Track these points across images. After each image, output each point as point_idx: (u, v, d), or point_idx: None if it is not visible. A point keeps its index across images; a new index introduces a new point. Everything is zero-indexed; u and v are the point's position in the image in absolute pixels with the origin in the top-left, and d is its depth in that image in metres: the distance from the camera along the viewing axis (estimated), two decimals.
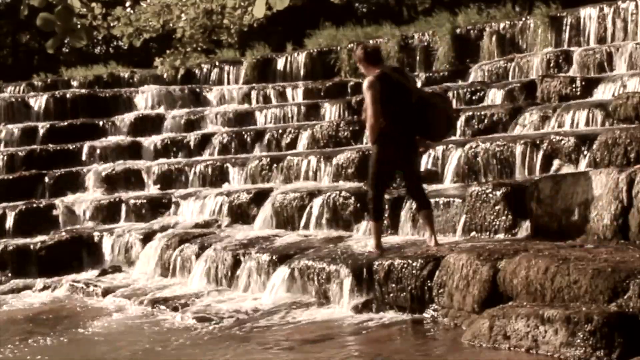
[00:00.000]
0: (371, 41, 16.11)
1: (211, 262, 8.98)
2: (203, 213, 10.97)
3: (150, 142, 14.01)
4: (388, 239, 8.43)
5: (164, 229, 10.66)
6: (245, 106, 15.39)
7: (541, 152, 8.88)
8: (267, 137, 13.13)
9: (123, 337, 7.32)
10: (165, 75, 16.95)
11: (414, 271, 7.08)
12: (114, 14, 10.63)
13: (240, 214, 10.58)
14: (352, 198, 9.38)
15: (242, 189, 11.13)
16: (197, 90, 16.45)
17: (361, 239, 8.69)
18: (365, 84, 7.73)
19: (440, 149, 9.89)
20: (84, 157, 13.89)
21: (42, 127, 14.82)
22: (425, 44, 15.36)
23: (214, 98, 16.12)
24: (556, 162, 8.73)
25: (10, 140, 14.63)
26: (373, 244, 7.89)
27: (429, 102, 7.70)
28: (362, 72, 8.11)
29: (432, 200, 8.47)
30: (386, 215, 8.44)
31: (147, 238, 10.42)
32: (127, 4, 10.60)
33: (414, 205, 8.38)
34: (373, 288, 7.33)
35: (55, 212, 12.03)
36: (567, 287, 5.90)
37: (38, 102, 15.89)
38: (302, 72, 16.79)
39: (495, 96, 12.07)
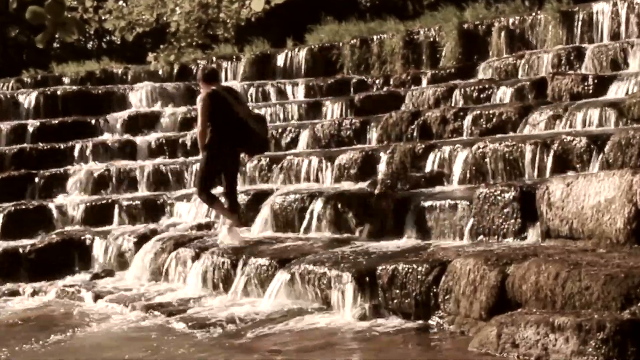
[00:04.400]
0: (375, 37, 16.16)
1: (208, 266, 8.98)
2: (199, 215, 10.97)
3: (144, 141, 14.01)
4: (392, 244, 8.45)
5: (158, 231, 10.67)
6: None
7: (552, 153, 8.88)
8: None
9: (115, 344, 7.32)
10: (160, 72, 17.01)
11: (419, 276, 7.08)
12: (106, 6, 10.64)
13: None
14: (355, 200, 9.38)
15: (240, 190, 11.12)
16: (194, 87, 16.43)
17: (365, 242, 8.70)
18: (198, 98, 9.80)
19: (447, 149, 9.90)
20: (75, 157, 13.88)
21: (32, 125, 14.81)
22: (431, 39, 15.36)
23: None
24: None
25: None
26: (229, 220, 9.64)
27: (247, 124, 9.50)
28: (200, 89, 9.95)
29: (437, 203, 8.50)
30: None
31: (141, 241, 10.42)
32: None
33: (418, 208, 8.60)
34: (376, 294, 7.34)
35: (45, 214, 12.03)
36: (579, 294, 5.90)
37: (28, 99, 15.88)
38: (302, 69, 16.78)
39: (504, 94, 12.06)
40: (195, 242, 9.75)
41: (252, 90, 15.87)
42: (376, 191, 9.31)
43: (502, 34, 14.44)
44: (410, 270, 7.15)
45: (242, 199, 10.64)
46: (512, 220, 7.84)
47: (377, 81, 15.20)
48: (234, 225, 9.54)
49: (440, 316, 6.91)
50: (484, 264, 6.66)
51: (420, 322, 6.98)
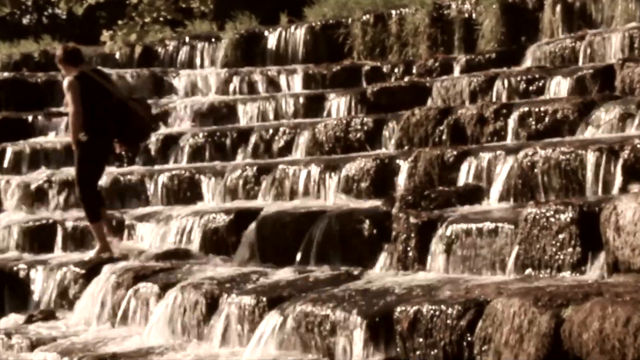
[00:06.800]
0: (393, 12, 16.19)
1: (177, 306, 8.99)
2: (166, 240, 10.98)
3: None
4: (414, 278, 8.46)
5: (113, 260, 10.67)
6: (225, 97, 15.41)
7: (621, 162, 8.89)
8: (253, 139, 13.16)
9: None
10: (117, 55, 17.05)
11: (448, 321, 7.08)
12: None
13: (217, 242, 10.59)
14: (367, 222, 9.39)
15: (220, 208, 11.14)
16: (160, 74, 16.49)
17: (379, 277, 8.71)
18: (65, 84, 10.43)
19: (485, 157, 9.90)
20: (6, 164, 13.94)
21: None
22: (466, 15, 15.39)
23: (182, 86, 16.16)
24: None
25: None
26: (98, 247, 10.61)
27: (127, 107, 10.39)
28: (63, 73, 10.94)
29: (473, 226, 8.50)
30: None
31: (90, 273, 10.42)
32: None
33: (447, 233, 8.60)
34: (393, 343, 7.34)
35: None
36: None
37: None
38: (300, 53, 16.83)
39: (559, 86, 12.08)
40: (161, 274, 9.75)
41: (235, 80, 15.91)
42: (394, 210, 9.32)
43: (558, 8, 14.47)
44: (437, 312, 7.15)
45: (220, 219, 10.66)
46: (570, 249, 7.84)
47: (395, 69, 15.23)
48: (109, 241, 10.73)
49: None
50: (533, 305, 6.66)
51: None
